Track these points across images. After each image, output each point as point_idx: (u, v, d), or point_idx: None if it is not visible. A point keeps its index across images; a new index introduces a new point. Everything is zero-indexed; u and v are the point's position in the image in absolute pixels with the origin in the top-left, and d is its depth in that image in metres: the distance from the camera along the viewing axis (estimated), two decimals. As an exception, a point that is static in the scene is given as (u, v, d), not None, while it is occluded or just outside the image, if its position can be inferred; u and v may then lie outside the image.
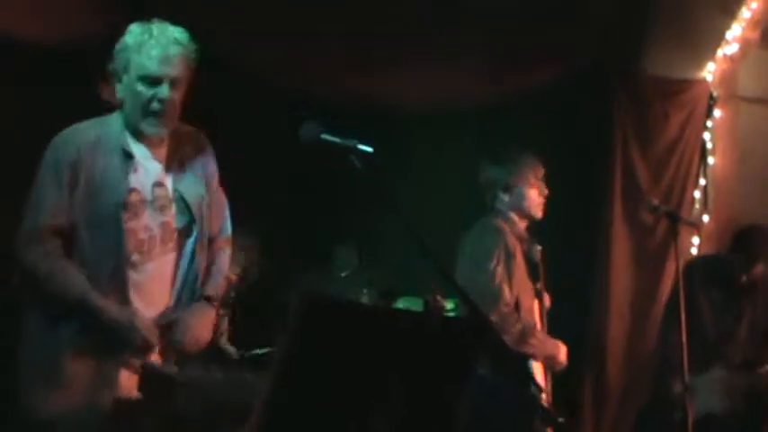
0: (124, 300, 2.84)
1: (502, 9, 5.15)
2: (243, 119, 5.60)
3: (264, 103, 5.47)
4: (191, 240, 2.97)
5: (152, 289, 2.91)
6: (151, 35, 2.83)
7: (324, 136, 2.57)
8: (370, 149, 2.54)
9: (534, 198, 4.18)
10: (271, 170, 5.70)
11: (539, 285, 4.23)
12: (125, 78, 2.86)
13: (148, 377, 2.79)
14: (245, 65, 5.29)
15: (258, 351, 4.94)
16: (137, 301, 2.87)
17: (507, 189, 4.15)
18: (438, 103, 5.58)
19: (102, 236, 2.83)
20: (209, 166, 3.09)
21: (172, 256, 2.95)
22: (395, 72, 5.35)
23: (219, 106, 5.37)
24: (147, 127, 2.88)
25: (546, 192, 4.21)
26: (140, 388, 2.80)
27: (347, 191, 5.24)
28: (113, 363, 2.82)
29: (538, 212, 4.21)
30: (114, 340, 2.80)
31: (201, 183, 3.03)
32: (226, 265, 3.17)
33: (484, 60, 5.42)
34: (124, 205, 2.84)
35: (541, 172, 4.20)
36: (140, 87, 2.84)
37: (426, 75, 5.42)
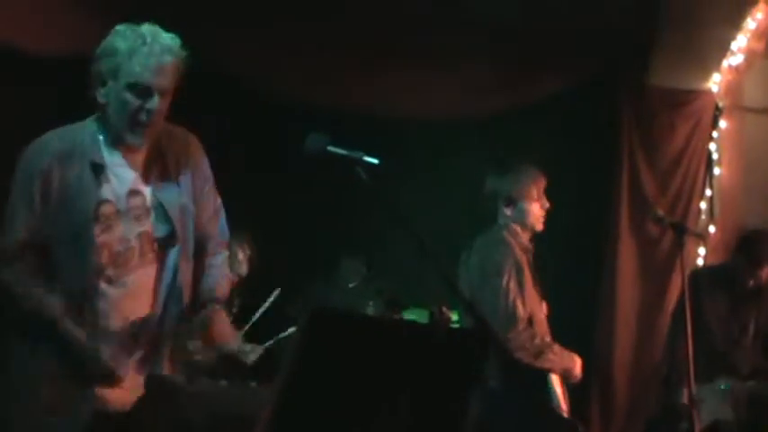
0: (95, 317, 2.70)
1: (509, 19, 5.16)
2: (248, 130, 5.62)
3: (268, 112, 5.49)
4: (173, 251, 2.79)
5: (131, 304, 2.75)
6: (144, 42, 2.65)
7: (330, 148, 2.57)
8: (375, 161, 2.54)
9: (536, 212, 4.17)
10: (277, 180, 5.71)
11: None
12: (111, 84, 2.67)
13: (154, 387, 2.78)
14: (256, 79, 5.31)
15: (282, 335, 4.89)
16: (114, 318, 2.71)
17: (509, 203, 4.15)
18: (445, 113, 5.59)
19: (75, 251, 2.68)
20: (199, 169, 2.89)
21: (152, 269, 2.77)
22: (400, 81, 5.37)
23: (226, 118, 5.40)
24: (132, 138, 2.71)
25: (547, 205, 4.20)
26: (146, 398, 2.78)
27: (354, 202, 5.27)
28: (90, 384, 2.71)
29: (539, 226, 4.20)
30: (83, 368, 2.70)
31: (186, 189, 2.84)
32: (226, 267, 3.03)
33: (491, 70, 5.44)
34: (95, 218, 2.67)
35: (543, 184, 4.18)
36: (129, 96, 2.66)
37: (433, 85, 5.44)
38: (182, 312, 2.82)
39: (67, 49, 4.44)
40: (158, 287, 2.78)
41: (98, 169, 2.71)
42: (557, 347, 4.08)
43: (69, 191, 2.69)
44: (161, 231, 2.79)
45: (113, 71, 2.66)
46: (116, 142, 2.74)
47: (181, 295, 2.82)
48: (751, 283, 4.67)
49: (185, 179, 2.84)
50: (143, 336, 2.76)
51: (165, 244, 2.80)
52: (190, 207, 2.84)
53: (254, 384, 4.36)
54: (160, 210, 2.78)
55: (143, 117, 2.68)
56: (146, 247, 2.76)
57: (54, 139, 2.74)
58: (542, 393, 3.97)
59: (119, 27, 2.71)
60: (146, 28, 2.69)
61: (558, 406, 3.97)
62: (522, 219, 4.15)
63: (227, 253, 3.06)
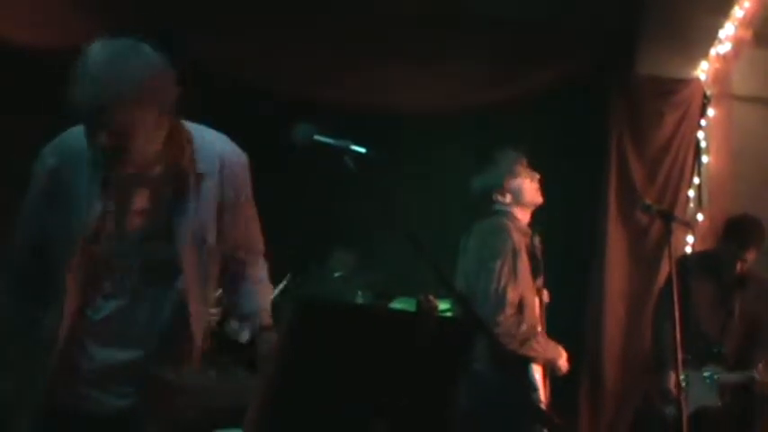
0: (79, 342, 2.50)
1: (499, 13, 5.17)
2: (241, 123, 5.59)
3: (265, 107, 5.47)
4: (181, 278, 2.51)
5: (120, 329, 2.51)
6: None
7: (317, 137, 2.56)
8: (363, 150, 2.53)
9: (528, 187, 4.18)
10: (266, 171, 5.69)
11: (539, 281, 4.25)
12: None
13: (146, 383, 2.75)
14: (245, 70, 5.29)
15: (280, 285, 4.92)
16: (92, 345, 2.52)
17: (502, 190, 4.16)
18: (435, 106, 5.58)
19: (63, 264, 2.45)
20: (231, 179, 2.65)
21: (152, 292, 2.51)
22: (393, 75, 5.36)
23: (215, 110, 5.37)
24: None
25: (537, 176, 4.21)
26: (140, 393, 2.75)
27: (343, 192, 5.26)
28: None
29: (538, 198, 4.21)
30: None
31: (207, 204, 2.57)
32: (264, 274, 2.82)
33: (481, 64, 5.44)
34: (92, 232, 2.43)
35: (523, 160, 4.21)
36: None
37: (424, 79, 5.44)
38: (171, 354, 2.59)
39: (65, 45, 4.42)
40: (157, 315, 2.54)
41: (102, 180, 2.45)
42: (542, 338, 4.10)
43: (70, 198, 2.46)
44: (165, 254, 2.52)
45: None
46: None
47: (185, 328, 2.57)
48: (738, 267, 4.69)
49: (210, 191, 2.58)
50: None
51: (169, 267, 2.53)
52: (209, 224, 2.57)
53: (243, 375, 4.36)
54: (167, 229, 2.52)
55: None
56: (147, 270, 2.52)
57: (69, 139, 2.50)
58: (525, 381, 3.98)
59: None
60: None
61: (537, 397, 3.98)
62: (519, 199, 4.17)
63: (261, 262, 2.86)
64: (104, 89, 2.27)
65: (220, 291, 2.96)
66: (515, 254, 4.03)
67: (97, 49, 2.32)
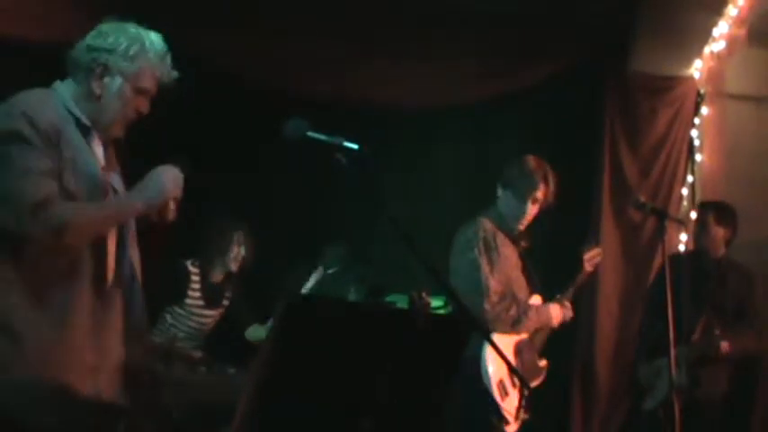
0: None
1: (493, 9, 5.16)
2: (234, 120, 5.58)
3: (263, 103, 5.46)
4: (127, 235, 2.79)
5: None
6: (146, 47, 2.75)
7: (309, 133, 2.56)
8: (355, 146, 2.53)
9: (528, 214, 4.25)
10: (259, 166, 5.68)
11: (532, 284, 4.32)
12: (111, 80, 2.72)
13: (134, 377, 2.75)
14: (242, 67, 5.28)
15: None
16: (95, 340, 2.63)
17: (516, 195, 4.22)
18: (430, 101, 5.58)
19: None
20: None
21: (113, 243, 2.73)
22: (389, 71, 5.36)
23: (209, 107, 5.36)
24: (118, 131, 2.79)
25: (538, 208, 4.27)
26: (126, 388, 2.75)
27: (337, 188, 5.25)
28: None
29: (519, 226, 4.26)
30: None
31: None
32: None
33: (475, 58, 5.43)
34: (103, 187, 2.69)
35: (551, 199, 4.26)
36: (130, 97, 2.75)
37: (419, 73, 5.43)
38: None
39: (54, 36, 4.42)
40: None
41: (88, 138, 2.73)
42: (532, 310, 4.21)
43: (77, 161, 2.64)
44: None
45: (117, 69, 2.72)
46: (93, 127, 2.74)
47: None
48: (713, 255, 4.80)
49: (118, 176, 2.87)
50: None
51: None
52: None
53: (232, 371, 4.36)
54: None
55: (133, 116, 2.78)
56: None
57: (48, 100, 2.69)
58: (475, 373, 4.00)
59: (117, 24, 2.77)
60: (144, 32, 2.77)
61: (486, 389, 3.98)
62: (513, 213, 4.26)
63: None
64: (161, 61, 2.77)
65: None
66: (489, 248, 4.13)
67: (131, 28, 2.75)
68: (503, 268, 4.15)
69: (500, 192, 4.30)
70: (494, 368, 3.99)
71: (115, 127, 2.77)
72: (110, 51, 2.72)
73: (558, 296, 4.37)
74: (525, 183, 4.22)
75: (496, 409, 3.97)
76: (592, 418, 5.54)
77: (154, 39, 2.78)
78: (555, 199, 4.28)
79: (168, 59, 2.78)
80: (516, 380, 3.98)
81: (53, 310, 2.55)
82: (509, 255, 4.22)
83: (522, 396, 3.98)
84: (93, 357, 2.60)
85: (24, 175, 2.53)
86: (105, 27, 2.77)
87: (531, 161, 4.25)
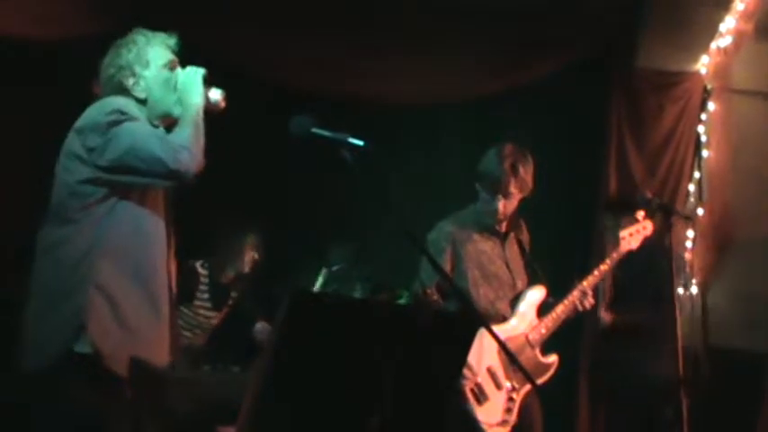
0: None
1: (499, 4, 5.15)
2: (241, 116, 5.57)
3: (264, 99, 5.45)
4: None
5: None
6: (146, 36, 3.08)
7: (314, 129, 2.55)
8: (361, 143, 2.52)
9: (501, 210, 4.20)
10: (267, 165, 5.68)
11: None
12: (144, 71, 3.02)
13: (139, 375, 2.74)
14: (247, 63, 5.27)
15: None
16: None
17: (487, 190, 4.19)
18: (435, 96, 5.57)
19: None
20: None
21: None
22: (393, 66, 5.34)
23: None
24: (176, 108, 3.04)
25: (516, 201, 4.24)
26: (131, 385, 2.74)
27: (344, 185, 5.23)
28: None
29: (495, 222, 4.24)
30: None
31: None
32: None
33: (481, 54, 5.41)
34: None
35: (528, 188, 4.20)
36: (167, 73, 3.04)
37: (422, 70, 5.41)
38: None
39: (54, 36, 4.42)
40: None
41: None
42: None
43: None
44: None
45: (141, 61, 3.02)
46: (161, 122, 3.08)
47: None
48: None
49: None
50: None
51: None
52: None
53: (236, 369, 4.36)
54: None
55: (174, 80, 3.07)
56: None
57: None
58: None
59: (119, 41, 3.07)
60: (133, 35, 3.09)
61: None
62: (488, 207, 4.24)
63: None
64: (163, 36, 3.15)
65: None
66: (455, 240, 4.18)
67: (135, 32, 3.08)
68: (470, 265, 4.17)
69: (477, 186, 4.26)
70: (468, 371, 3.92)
71: (175, 106, 3.03)
72: (119, 55, 3.04)
73: (578, 283, 4.30)
74: (493, 178, 4.15)
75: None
76: (598, 418, 5.53)
77: (141, 32, 3.09)
78: (533, 186, 4.21)
79: (161, 34, 3.08)
80: (502, 379, 3.97)
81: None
82: (486, 249, 4.22)
83: (509, 398, 3.95)
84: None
85: (149, 135, 2.87)
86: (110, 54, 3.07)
87: (500, 153, 4.17)
